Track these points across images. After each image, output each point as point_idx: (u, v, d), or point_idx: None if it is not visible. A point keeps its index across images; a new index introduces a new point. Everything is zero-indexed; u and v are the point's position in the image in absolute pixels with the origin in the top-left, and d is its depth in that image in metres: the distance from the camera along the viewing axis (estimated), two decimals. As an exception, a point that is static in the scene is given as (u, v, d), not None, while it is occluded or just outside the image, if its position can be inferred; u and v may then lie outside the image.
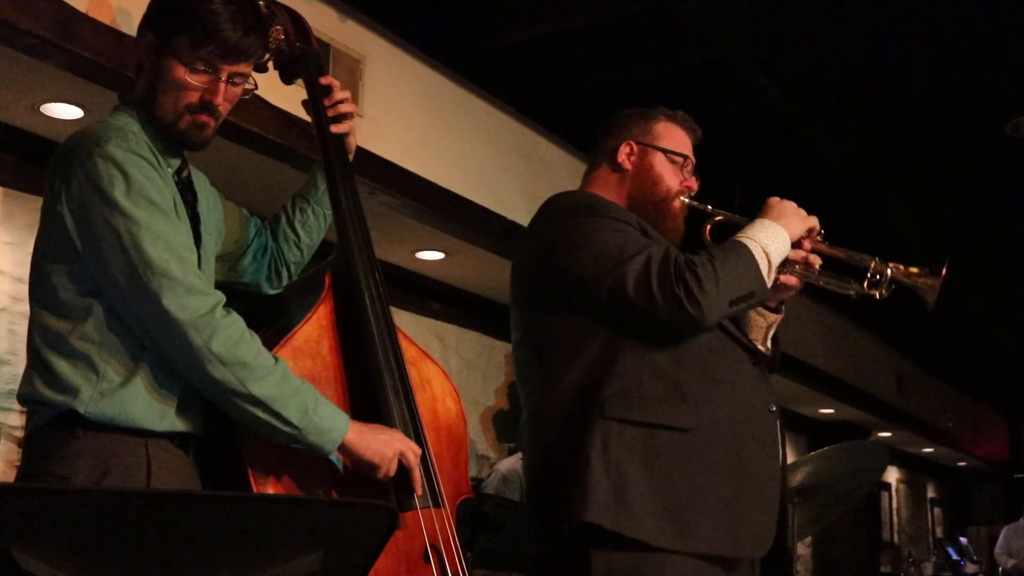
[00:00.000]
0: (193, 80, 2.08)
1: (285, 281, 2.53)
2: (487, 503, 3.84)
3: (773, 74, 4.83)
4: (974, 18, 4.27)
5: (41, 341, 1.99)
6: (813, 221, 2.52)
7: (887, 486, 14.22)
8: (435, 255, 5.47)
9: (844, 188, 5.94)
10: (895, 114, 5.26)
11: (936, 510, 16.61)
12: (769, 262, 2.40)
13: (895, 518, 14.45)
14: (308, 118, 2.53)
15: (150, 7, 2.14)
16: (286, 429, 1.98)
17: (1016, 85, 4.82)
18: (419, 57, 4.72)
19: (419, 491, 2.15)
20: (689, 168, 2.66)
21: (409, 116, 4.63)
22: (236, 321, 1.99)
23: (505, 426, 6.47)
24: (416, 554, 2.14)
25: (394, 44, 4.57)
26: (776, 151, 5.55)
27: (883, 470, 4.29)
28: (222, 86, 2.10)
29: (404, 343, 2.34)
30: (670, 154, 2.63)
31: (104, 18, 3.28)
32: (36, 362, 2.00)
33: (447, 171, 4.78)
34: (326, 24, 4.06)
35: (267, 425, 1.98)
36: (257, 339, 2.02)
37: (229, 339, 1.95)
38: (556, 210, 2.52)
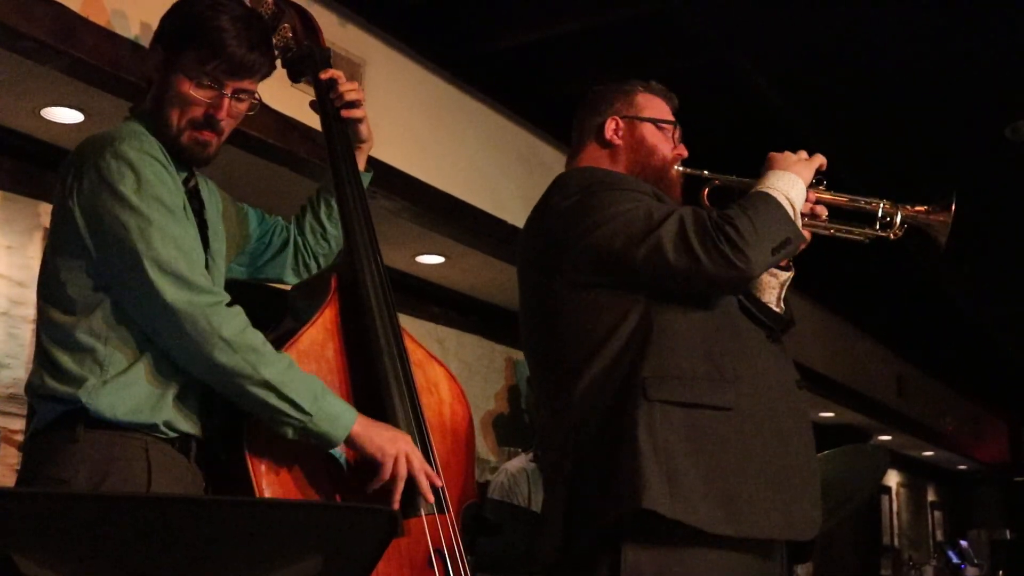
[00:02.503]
0: (198, 95, 2.11)
1: (314, 271, 2.56)
2: (486, 506, 3.83)
3: (772, 78, 4.83)
4: (974, 21, 4.27)
5: (47, 336, 2.02)
6: (817, 160, 2.49)
7: (887, 489, 14.21)
8: (435, 259, 5.46)
9: (844, 191, 5.93)
10: (895, 117, 5.26)
11: (936, 513, 16.59)
12: (794, 208, 2.36)
13: (895, 521, 14.43)
14: (310, 122, 2.54)
15: (162, 24, 2.18)
16: (296, 415, 1.99)
17: (1016, 88, 4.82)
18: (419, 61, 4.72)
19: (430, 498, 2.15)
20: (678, 135, 2.63)
21: (409, 120, 4.63)
22: (241, 313, 2.02)
23: (506, 430, 6.46)
24: (420, 560, 2.14)
25: (394, 48, 4.57)
26: (774, 152, 5.54)
27: (883, 474, 4.28)
28: (226, 102, 2.14)
29: (411, 346, 2.34)
30: (659, 123, 2.61)
31: (99, 19, 3.28)
32: (42, 357, 2.02)
33: (447, 175, 4.78)
34: (326, 28, 4.03)
35: (277, 412, 1.98)
36: (260, 334, 2.04)
37: (237, 326, 1.98)
38: (570, 188, 2.43)
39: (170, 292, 1.95)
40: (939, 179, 6.06)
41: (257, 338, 2.00)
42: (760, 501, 2.21)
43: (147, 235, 1.96)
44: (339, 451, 2.09)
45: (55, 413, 1.98)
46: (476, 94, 5.09)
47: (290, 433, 2.02)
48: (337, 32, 4.18)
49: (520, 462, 4.57)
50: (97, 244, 1.99)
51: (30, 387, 2.04)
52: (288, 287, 2.52)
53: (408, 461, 2.10)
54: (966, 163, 5.84)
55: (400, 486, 2.11)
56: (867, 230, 2.52)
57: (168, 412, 2.01)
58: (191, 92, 2.10)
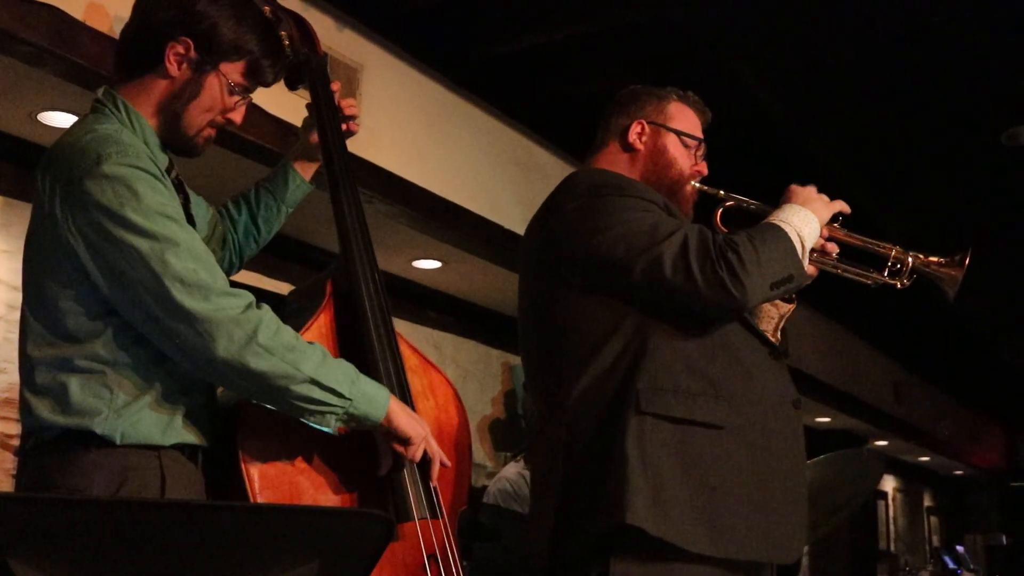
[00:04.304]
0: (228, 100, 2.12)
1: (235, 272, 2.53)
2: (483, 512, 3.83)
3: (770, 83, 4.83)
4: (971, 30, 4.27)
5: (47, 365, 1.94)
6: (838, 205, 2.45)
7: (884, 494, 14.22)
8: (432, 264, 5.46)
9: (841, 197, 5.94)
10: (893, 124, 5.27)
11: (933, 518, 16.61)
12: (803, 246, 2.31)
13: (892, 527, 14.45)
14: (307, 126, 2.55)
15: (193, 21, 2.08)
16: (338, 403, 1.99)
17: (1012, 95, 4.83)
18: (416, 66, 4.73)
19: (434, 482, 2.17)
20: (701, 152, 2.58)
21: (406, 125, 4.63)
22: (270, 311, 1.99)
23: (502, 435, 6.46)
24: (414, 564, 2.14)
25: (391, 53, 4.58)
26: (774, 160, 5.55)
27: (879, 479, 4.28)
28: (244, 108, 2.17)
29: (407, 352, 2.33)
30: (683, 136, 2.56)
31: (101, 26, 3.28)
32: (42, 387, 1.94)
33: (444, 180, 4.79)
34: (324, 33, 4.04)
35: (321, 404, 1.98)
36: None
37: (270, 329, 1.94)
38: (579, 189, 2.38)
39: (199, 307, 1.89)
40: (936, 184, 6.07)
41: (290, 335, 1.98)
42: (744, 522, 2.19)
43: (161, 254, 1.89)
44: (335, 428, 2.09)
45: (60, 430, 1.93)
46: (473, 99, 5.10)
47: (333, 422, 2.02)
48: (334, 37, 4.19)
49: (516, 468, 4.56)
50: (107, 274, 1.91)
51: (31, 424, 1.96)
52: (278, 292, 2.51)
53: (429, 446, 2.14)
54: (963, 169, 5.85)
55: (435, 467, 2.16)
56: (875, 275, 2.49)
57: (177, 434, 1.99)
58: (224, 97, 2.11)
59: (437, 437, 2.26)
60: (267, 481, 2.04)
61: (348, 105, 2.56)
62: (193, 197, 2.28)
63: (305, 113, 2.58)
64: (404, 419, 2.09)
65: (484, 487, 4.65)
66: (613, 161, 2.56)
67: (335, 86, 2.56)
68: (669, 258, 2.20)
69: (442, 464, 2.19)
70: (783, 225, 2.32)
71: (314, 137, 2.52)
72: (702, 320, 2.27)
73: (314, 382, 1.96)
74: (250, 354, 1.91)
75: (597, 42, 4.76)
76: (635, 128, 2.55)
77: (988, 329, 9.44)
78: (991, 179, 5.93)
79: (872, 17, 4.25)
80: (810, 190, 2.45)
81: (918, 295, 2.72)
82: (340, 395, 1.99)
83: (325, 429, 2.04)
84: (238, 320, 1.92)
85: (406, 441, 2.09)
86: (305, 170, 2.57)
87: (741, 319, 2.33)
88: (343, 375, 2.01)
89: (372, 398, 2.04)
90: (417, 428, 2.11)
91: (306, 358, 1.97)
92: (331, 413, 2.01)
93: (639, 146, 2.55)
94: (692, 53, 4.64)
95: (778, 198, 2.47)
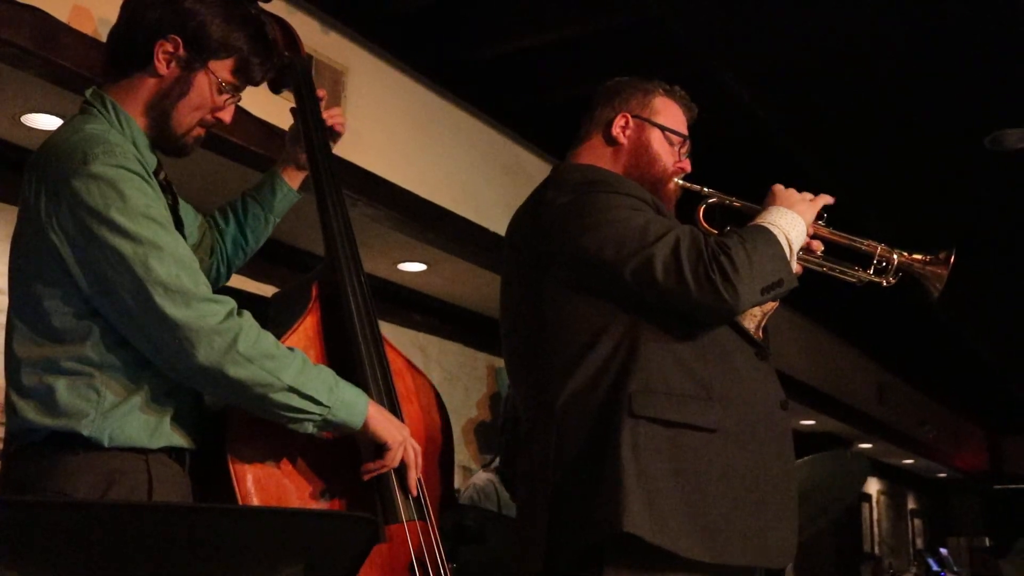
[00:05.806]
0: (217, 99, 2.11)
1: (222, 283, 2.52)
2: (468, 514, 3.82)
3: (755, 88, 4.85)
4: (955, 35, 4.30)
5: (34, 366, 1.93)
6: (822, 200, 2.42)
7: (867, 497, 14.27)
8: (417, 266, 5.46)
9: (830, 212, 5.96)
10: (877, 128, 5.29)
11: (916, 521, 16.68)
12: (791, 249, 2.29)
13: (875, 529, 14.50)
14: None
15: (182, 19, 2.08)
16: (316, 410, 1.99)
17: (995, 99, 4.85)
18: (402, 69, 4.73)
19: (414, 492, 2.15)
20: (685, 149, 2.53)
21: (392, 128, 4.63)
22: (251, 319, 1.98)
23: (487, 438, 6.46)
24: (401, 567, 2.14)
25: (377, 56, 4.57)
26: (758, 164, 5.56)
27: (863, 480, 4.27)
28: (233, 108, 2.15)
29: (391, 355, 2.32)
30: (668, 132, 2.50)
31: (86, 29, 3.27)
32: (29, 388, 1.93)
33: (430, 183, 4.79)
34: (308, 35, 4.06)
35: (298, 411, 1.98)
36: (270, 333, 2.01)
37: (250, 337, 1.93)
38: (568, 184, 2.33)
39: (180, 314, 1.88)
40: (921, 188, 6.10)
41: (270, 342, 1.97)
42: (737, 527, 2.16)
43: (145, 258, 1.88)
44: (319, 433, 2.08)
45: (48, 432, 1.92)
46: (459, 103, 5.10)
47: (310, 428, 2.01)
48: (320, 39, 4.19)
49: (486, 475, 4.53)
50: (90, 275, 1.90)
51: (15, 426, 1.95)
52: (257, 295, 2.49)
53: (406, 453, 2.13)
54: (946, 173, 5.87)
55: (412, 474, 2.14)
56: (861, 273, 2.46)
57: (165, 437, 1.98)
58: (213, 95, 2.10)
59: (420, 440, 2.25)
60: (256, 483, 2.04)
61: (332, 116, 2.55)
62: (181, 202, 2.27)
63: (291, 116, 2.57)
64: (382, 425, 2.08)
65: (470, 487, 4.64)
66: (596, 155, 2.51)
67: (321, 93, 2.55)
68: (660, 260, 2.16)
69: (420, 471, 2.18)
70: (772, 228, 2.29)
71: (300, 145, 2.52)
72: (694, 320, 2.24)
73: (292, 390, 1.96)
74: (229, 362, 1.91)
75: (583, 45, 4.77)
76: (619, 121, 2.50)
77: (972, 332, 9.48)
78: (975, 183, 5.96)
79: (857, 20, 4.26)
80: (792, 192, 2.41)
81: (901, 297, 2.72)
82: (318, 403, 1.99)
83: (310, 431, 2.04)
84: (218, 328, 1.91)
85: (383, 447, 2.09)
86: (293, 179, 2.56)
87: (730, 321, 2.30)
88: (322, 383, 2.01)
89: (350, 405, 2.04)
90: (395, 434, 2.10)
91: (285, 366, 1.96)
92: (309, 420, 2.01)
93: (622, 140, 2.50)
94: (677, 56, 4.65)
95: (760, 199, 2.45)
